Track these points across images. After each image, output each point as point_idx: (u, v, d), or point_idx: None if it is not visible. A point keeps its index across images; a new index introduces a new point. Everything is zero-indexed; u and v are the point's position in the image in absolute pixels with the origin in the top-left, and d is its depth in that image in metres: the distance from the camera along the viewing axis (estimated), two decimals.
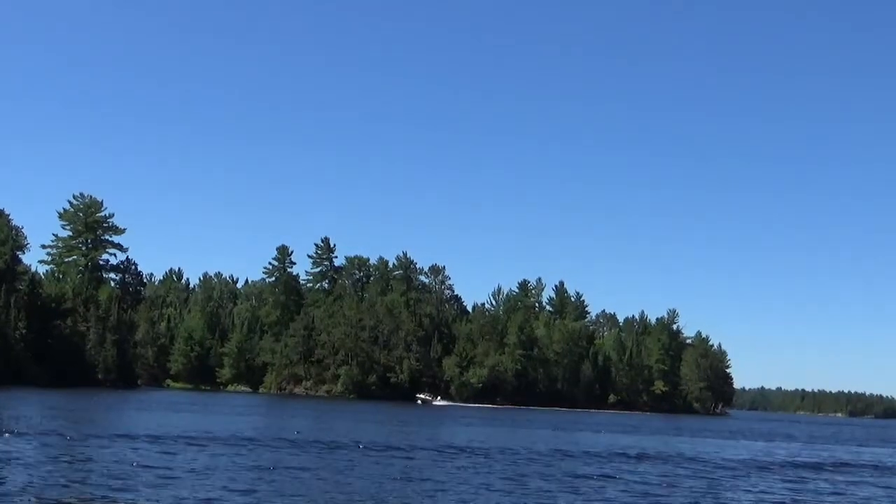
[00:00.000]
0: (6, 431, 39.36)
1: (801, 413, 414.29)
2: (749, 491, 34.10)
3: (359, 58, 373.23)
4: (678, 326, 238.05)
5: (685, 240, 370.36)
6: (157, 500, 22.39)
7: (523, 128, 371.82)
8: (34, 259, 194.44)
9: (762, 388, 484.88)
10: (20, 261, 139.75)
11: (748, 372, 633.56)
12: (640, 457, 48.16)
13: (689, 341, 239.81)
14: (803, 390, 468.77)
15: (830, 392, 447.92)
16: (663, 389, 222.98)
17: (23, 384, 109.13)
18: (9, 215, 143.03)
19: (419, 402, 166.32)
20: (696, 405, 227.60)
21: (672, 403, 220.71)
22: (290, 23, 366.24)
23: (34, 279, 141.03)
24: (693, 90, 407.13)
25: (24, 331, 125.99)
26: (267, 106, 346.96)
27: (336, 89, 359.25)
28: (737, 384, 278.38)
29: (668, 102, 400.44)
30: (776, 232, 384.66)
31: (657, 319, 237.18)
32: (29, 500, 21.22)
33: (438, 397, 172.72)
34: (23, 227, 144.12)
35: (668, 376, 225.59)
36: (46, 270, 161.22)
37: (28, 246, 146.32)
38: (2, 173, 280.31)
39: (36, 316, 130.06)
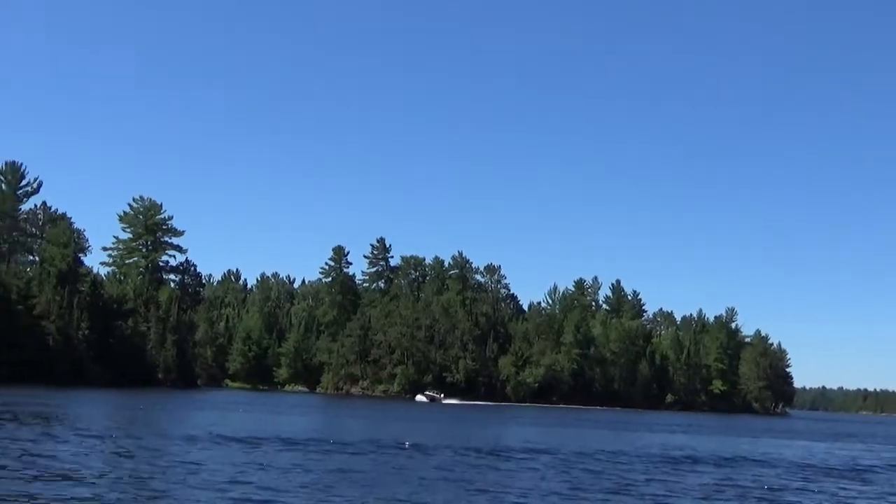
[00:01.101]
0: (71, 431, 39.91)
1: (864, 413, 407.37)
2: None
3: (417, 59, 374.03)
4: (737, 325, 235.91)
5: (744, 237, 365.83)
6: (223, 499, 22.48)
7: (580, 126, 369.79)
8: (95, 261, 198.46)
9: (823, 387, 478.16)
10: (82, 263, 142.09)
11: (809, 371, 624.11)
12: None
13: (748, 340, 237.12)
14: (865, 390, 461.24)
15: (894, 391, 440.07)
16: (722, 389, 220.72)
17: (85, 384, 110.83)
18: (70, 218, 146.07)
19: (426, 399, 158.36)
20: (755, 405, 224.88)
21: (730, 403, 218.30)
22: (359, 24, 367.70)
23: (96, 281, 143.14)
24: (749, 84, 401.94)
25: (86, 331, 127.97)
26: (324, 107, 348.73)
27: (395, 90, 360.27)
28: (797, 383, 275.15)
29: (723, 99, 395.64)
30: (837, 228, 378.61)
31: (715, 318, 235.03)
32: (96, 500, 21.39)
33: (442, 394, 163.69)
34: (84, 230, 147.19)
35: (727, 376, 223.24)
36: (108, 272, 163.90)
37: (89, 248, 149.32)
38: (63, 177, 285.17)
39: (98, 317, 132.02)
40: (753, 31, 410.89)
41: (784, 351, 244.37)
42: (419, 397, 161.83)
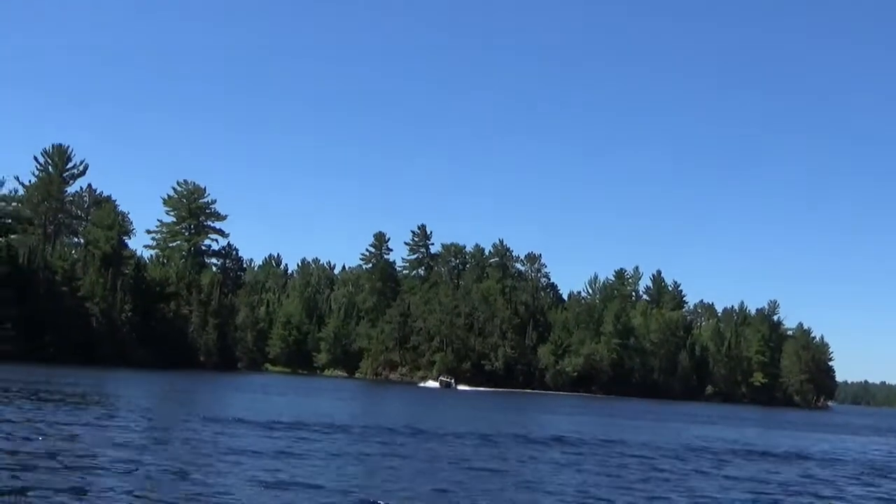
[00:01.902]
0: (116, 411, 40.45)
1: None
2: None
3: (462, 43, 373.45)
4: (779, 317, 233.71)
5: (786, 229, 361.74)
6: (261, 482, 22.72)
7: (617, 115, 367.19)
8: (139, 244, 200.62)
9: (866, 381, 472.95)
10: (126, 245, 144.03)
11: (852, 365, 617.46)
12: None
13: (789, 333, 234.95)
14: None
15: None
16: (763, 381, 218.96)
17: (128, 366, 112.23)
18: (115, 201, 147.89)
19: (442, 384, 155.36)
20: (796, 398, 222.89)
21: (771, 396, 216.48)
22: (403, 12, 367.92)
23: (139, 263, 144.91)
24: (801, 65, 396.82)
25: (129, 313, 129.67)
26: (363, 92, 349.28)
27: (437, 77, 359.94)
28: (839, 377, 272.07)
29: (766, 82, 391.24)
30: (878, 219, 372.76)
31: (757, 310, 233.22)
32: (140, 480, 21.69)
33: (453, 381, 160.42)
34: (128, 213, 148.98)
35: (768, 368, 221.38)
36: (151, 255, 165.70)
37: (134, 231, 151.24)
38: (108, 160, 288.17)
39: (141, 299, 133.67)
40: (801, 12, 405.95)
41: (826, 344, 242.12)
42: (430, 383, 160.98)
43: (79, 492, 19.39)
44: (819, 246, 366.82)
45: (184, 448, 28.66)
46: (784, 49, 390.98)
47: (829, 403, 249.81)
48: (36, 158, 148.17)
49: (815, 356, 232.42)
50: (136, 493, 19.84)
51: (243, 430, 36.68)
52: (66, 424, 32.71)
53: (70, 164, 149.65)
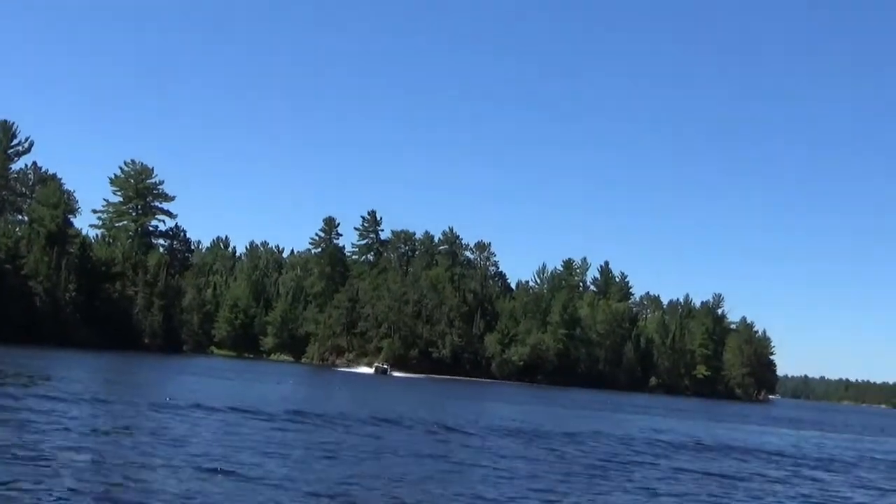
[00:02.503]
0: (57, 394, 40.20)
1: (845, 403, 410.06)
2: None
3: (407, 26, 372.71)
4: (723, 311, 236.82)
5: (732, 224, 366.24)
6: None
7: (569, 105, 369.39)
8: (85, 223, 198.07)
9: (806, 376, 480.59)
10: (71, 224, 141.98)
11: (792, 360, 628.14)
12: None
13: (733, 326, 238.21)
14: (847, 380, 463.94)
15: (875, 383, 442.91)
16: (705, 374, 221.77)
17: (71, 346, 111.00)
18: (60, 179, 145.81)
19: (378, 371, 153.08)
20: (738, 391, 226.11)
21: (714, 389, 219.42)
22: None
23: (84, 243, 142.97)
24: (743, 68, 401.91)
25: (73, 293, 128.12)
26: (315, 73, 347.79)
27: (385, 59, 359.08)
28: (780, 371, 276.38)
29: (717, 81, 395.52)
30: (823, 217, 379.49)
31: (702, 303, 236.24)
32: (82, 466, 21.67)
33: (388, 367, 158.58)
34: (74, 192, 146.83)
35: (711, 361, 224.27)
36: (97, 235, 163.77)
37: (79, 210, 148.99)
38: (54, 138, 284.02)
39: (86, 279, 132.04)
40: (753, 19, 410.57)
41: (768, 339, 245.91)
42: (363, 368, 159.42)
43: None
44: (764, 241, 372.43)
45: (112, 432, 28.63)
46: (752, 47, 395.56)
47: (770, 397, 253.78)
48: None
49: (758, 350, 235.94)
50: (64, 478, 19.83)
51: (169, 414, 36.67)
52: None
53: (15, 141, 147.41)
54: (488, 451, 33.32)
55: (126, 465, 21.86)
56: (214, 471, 21.78)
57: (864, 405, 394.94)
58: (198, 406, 40.61)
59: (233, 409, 41.40)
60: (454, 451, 32.17)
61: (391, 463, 27.45)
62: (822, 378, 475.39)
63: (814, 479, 34.96)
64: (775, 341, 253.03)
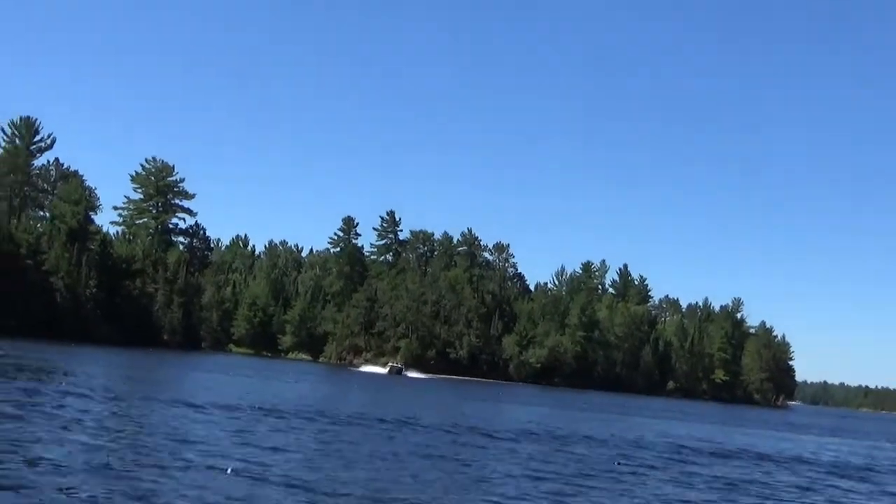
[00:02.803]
0: (77, 389, 40.48)
1: (864, 409, 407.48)
2: None
3: (424, 25, 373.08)
4: (742, 315, 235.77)
5: (753, 228, 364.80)
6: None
7: (592, 107, 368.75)
8: (106, 220, 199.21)
9: (825, 382, 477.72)
10: (92, 221, 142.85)
11: (812, 365, 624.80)
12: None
13: (752, 331, 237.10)
14: (867, 387, 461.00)
15: (894, 389, 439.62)
16: (724, 378, 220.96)
17: (91, 342, 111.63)
18: (82, 176, 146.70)
19: (392, 371, 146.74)
20: (756, 396, 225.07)
21: (732, 393, 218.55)
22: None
23: (105, 240, 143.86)
24: (768, 69, 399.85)
25: (94, 290, 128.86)
26: (336, 74, 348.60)
27: (404, 58, 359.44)
28: (799, 377, 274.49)
29: (743, 82, 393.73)
30: (844, 221, 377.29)
31: (721, 307, 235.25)
32: (100, 459, 21.84)
33: (402, 366, 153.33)
34: (96, 188, 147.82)
35: (729, 366, 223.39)
36: (117, 232, 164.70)
37: (100, 207, 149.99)
38: (77, 135, 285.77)
39: (106, 276, 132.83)
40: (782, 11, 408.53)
41: (788, 344, 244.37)
42: (371, 368, 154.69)
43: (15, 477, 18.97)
44: (784, 246, 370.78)
45: (127, 428, 28.83)
46: (757, 40, 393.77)
47: (789, 402, 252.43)
48: (3, 130, 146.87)
49: (776, 355, 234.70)
50: (76, 469, 19.99)
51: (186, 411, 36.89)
52: (14, 400, 32.75)
53: (37, 137, 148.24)
54: (504, 453, 33.36)
55: (140, 463, 22.01)
56: (228, 470, 21.85)
57: (883, 412, 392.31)
58: (215, 405, 40.83)
59: (254, 407, 41.60)
60: (470, 453, 32.23)
61: (402, 464, 27.54)
62: (842, 384, 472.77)
63: (829, 486, 34.82)
64: (795, 346, 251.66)
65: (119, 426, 28.68)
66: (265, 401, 46.41)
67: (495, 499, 22.44)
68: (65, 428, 26.36)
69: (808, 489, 32.59)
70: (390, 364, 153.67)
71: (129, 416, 32.25)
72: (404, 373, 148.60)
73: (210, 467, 22.17)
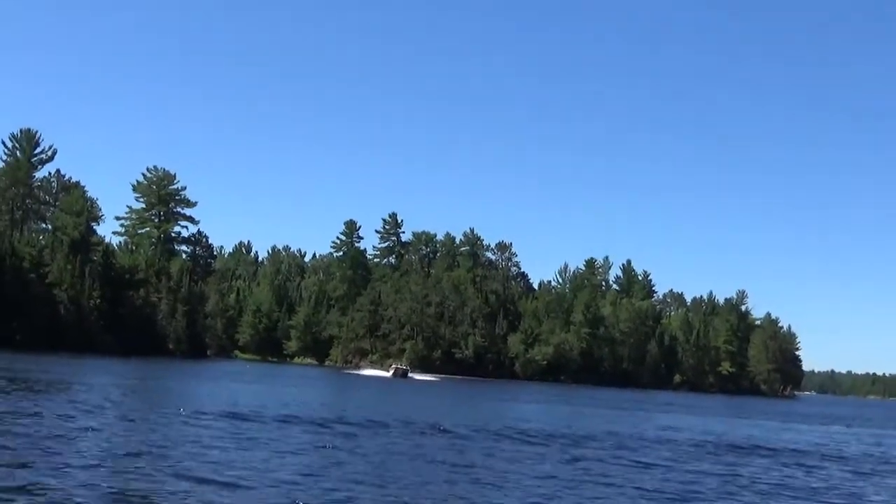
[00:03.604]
0: (88, 403, 40.44)
1: (872, 397, 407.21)
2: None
3: (427, 29, 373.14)
4: (747, 307, 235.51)
5: (755, 219, 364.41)
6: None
7: (593, 107, 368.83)
8: (108, 230, 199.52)
9: (832, 371, 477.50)
10: (94, 232, 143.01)
11: (818, 355, 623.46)
12: None
13: (757, 322, 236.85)
14: (874, 374, 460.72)
15: None
16: (730, 371, 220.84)
17: (96, 353, 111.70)
18: (84, 187, 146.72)
19: (397, 373, 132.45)
20: (763, 387, 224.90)
21: (739, 385, 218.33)
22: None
23: (108, 250, 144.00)
24: (763, 65, 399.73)
25: (97, 300, 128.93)
26: (336, 79, 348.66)
27: (403, 61, 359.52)
28: (806, 367, 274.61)
29: (736, 78, 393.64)
30: (847, 209, 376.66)
31: (725, 300, 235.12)
32: (106, 472, 21.80)
33: (408, 368, 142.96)
34: (97, 199, 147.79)
35: (736, 358, 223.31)
36: (120, 242, 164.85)
37: (102, 217, 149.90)
38: (78, 146, 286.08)
39: (109, 286, 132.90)
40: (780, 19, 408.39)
41: (794, 334, 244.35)
42: (370, 370, 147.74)
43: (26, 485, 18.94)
44: (787, 236, 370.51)
45: (142, 437, 28.79)
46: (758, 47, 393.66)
47: (796, 393, 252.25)
48: (3, 143, 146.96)
49: (783, 346, 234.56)
50: (87, 480, 19.95)
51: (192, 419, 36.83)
52: (22, 413, 32.71)
53: (38, 149, 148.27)
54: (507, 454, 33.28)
55: (144, 475, 21.96)
56: (229, 485, 21.56)
57: (891, 399, 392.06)
58: (221, 413, 40.76)
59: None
60: (463, 454, 32.16)
61: (409, 470, 27.48)
62: (849, 372, 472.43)
63: (829, 475, 34.73)
64: (801, 337, 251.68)
65: (126, 441, 28.63)
66: (294, 408, 46.32)
67: None
68: (74, 447, 26.32)
69: (802, 478, 32.47)
70: (394, 366, 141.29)
71: (138, 430, 32.17)
72: (410, 375, 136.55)
73: (208, 481, 21.45)
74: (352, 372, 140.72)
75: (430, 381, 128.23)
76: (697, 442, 45.08)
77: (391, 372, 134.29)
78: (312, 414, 43.67)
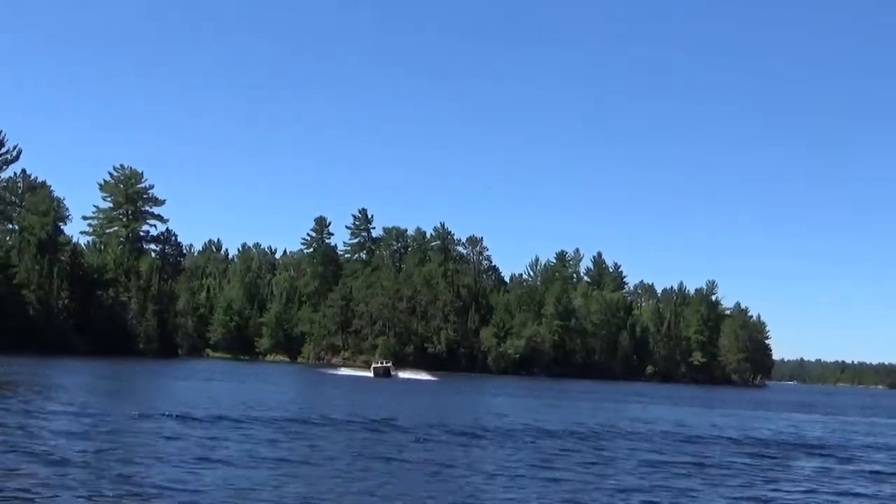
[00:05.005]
0: (54, 404, 40.06)
1: (841, 385, 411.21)
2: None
3: (397, 24, 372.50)
4: (717, 297, 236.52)
5: (724, 210, 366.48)
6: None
7: (562, 99, 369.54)
8: (76, 230, 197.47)
9: (801, 359, 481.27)
10: (62, 232, 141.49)
11: (788, 343, 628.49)
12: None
13: (727, 312, 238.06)
14: (843, 362, 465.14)
15: (871, 364, 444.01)
16: (701, 361, 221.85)
17: (66, 353, 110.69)
18: (50, 187, 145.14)
19: (378, 372, 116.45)
20: (734, 377, 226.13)
21: (710, 375, 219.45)
22: None
23: (76, 250, 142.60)
24: (731, 59, 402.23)
25: (66, 301, 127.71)
26: (306, 76, 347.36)
27: (373, 57, 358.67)
28: (776, 356, 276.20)
29: (703, 70, 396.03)
30: (816, 200, 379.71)
31: (696, 290, 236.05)
32: (78, 475, 21.60)
33: (391, 365, 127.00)
34: (64, 199, 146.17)
35: (707, 348, 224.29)
36: (88, 241, 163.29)
37: (69, 217, 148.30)
38: (44, 145, 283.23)
39: (78, 286, 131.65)
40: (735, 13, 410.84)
41: (763, 323, 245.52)
42: (343, 370, 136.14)
43: None
44: (756, 227, 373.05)
45: (104, 440, 28.55)
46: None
47: (766, 382, 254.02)
48: None
49: (753, 335, 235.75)
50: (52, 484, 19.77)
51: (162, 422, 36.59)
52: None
53: (3, 150, 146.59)
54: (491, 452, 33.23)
55: (119, 481, 21.77)
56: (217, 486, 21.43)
57: (860, 386, 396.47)
58: (188, 416, 40.52)
59: (221, 417, 41.31)
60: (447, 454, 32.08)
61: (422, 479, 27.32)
62: (818, 360, 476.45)
63: (784, 465, 35.01)
64: (771, 326, 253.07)
65: (97, 443, 28.37)
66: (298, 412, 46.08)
67: None
68: (48, 452, 26.06)
69: (761, 468, 32.64)
70: (374, 365, 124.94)
71: (109, 432, 31.87)
72: (394, 373, 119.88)
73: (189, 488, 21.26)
74: (328, 371, 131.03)
75: (426, 380, 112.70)
76: (666, 432, 45.31)
77: (372, 371, 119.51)
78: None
